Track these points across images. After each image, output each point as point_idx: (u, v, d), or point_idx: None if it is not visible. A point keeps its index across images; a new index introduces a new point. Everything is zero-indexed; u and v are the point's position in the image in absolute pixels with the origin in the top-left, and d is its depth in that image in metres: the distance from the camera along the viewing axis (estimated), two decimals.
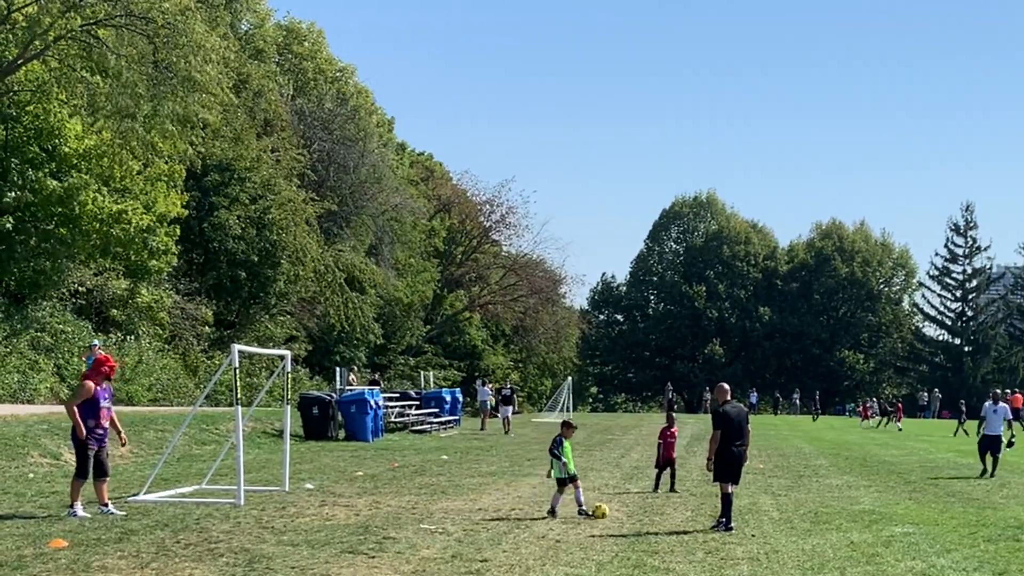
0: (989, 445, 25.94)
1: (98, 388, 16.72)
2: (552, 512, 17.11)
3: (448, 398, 45.92)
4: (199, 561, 12.92)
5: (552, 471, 17.54)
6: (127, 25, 31.53)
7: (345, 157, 56.43)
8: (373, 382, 44.96)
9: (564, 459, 17.30)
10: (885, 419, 55.65)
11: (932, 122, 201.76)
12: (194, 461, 25.29)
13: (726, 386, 17.12)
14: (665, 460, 21.10)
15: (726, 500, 16.11)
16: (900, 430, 49.92)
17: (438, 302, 74.09)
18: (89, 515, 16.25)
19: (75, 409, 16.48)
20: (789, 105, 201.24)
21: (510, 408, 43.63)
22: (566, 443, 17.48)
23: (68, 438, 19.16)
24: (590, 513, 17.07)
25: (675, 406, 70.79)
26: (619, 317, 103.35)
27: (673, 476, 21.07)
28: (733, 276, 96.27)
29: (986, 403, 26.89)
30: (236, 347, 18.67)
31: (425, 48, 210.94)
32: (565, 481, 17.32)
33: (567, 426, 17.99)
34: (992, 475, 25.50)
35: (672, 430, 21.42)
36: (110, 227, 34.17)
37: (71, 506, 16.44)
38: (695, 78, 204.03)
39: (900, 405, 56.25)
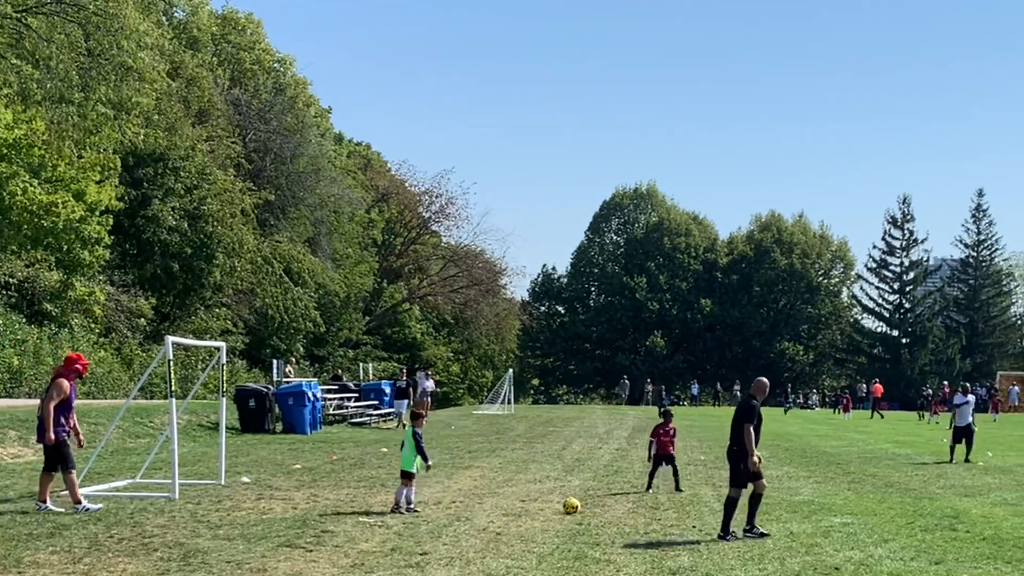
0: (963, 434, 27.33)
1: (71, 386, 16.38)
2: (398, 507, 16.52)
3: (387, 390, 45.64)
4: (133, 556, 12.68)
5: (416, 464, 16.74)
6: (58, 12, 31.03)
7: (282, 147, 55.99)
8: (336, 377, 44.52)
9: (407, 451, 16.81)
10: (926, 413, 54.18)
11: (869, 116, 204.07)
12: (128, 455, 24.91)
13: (763, 380, 15.52)
14: (661, 457, 20.14)
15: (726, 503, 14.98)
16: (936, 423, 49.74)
17: (377, 293, 73.75)
18: (100, 506, 16.23)
19: (52, 410, 16.09)
20: (729, 98, 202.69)
21: (405, 402, 40.31)
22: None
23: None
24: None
25: (621, 399, 70.93)
26: (560, 309, 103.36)
27: (676, 474, 20.09)
28: (674, 268, 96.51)
29: (956, 396, 28.41)
30: (170, 339, 18.37)
31: (362, 37, 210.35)
32: (412, 475, 16.75)
33: (418, 416, 17.46)
34: (967, 460, 26.95)
35: (667, 427, 20.31)
36: (40, 218, 33.59)
37: (79, 503, 16.20)
38: (636, 71, 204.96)
39: (937, 397, 56.56)
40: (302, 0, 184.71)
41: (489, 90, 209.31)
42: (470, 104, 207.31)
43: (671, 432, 20.40)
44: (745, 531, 14.78)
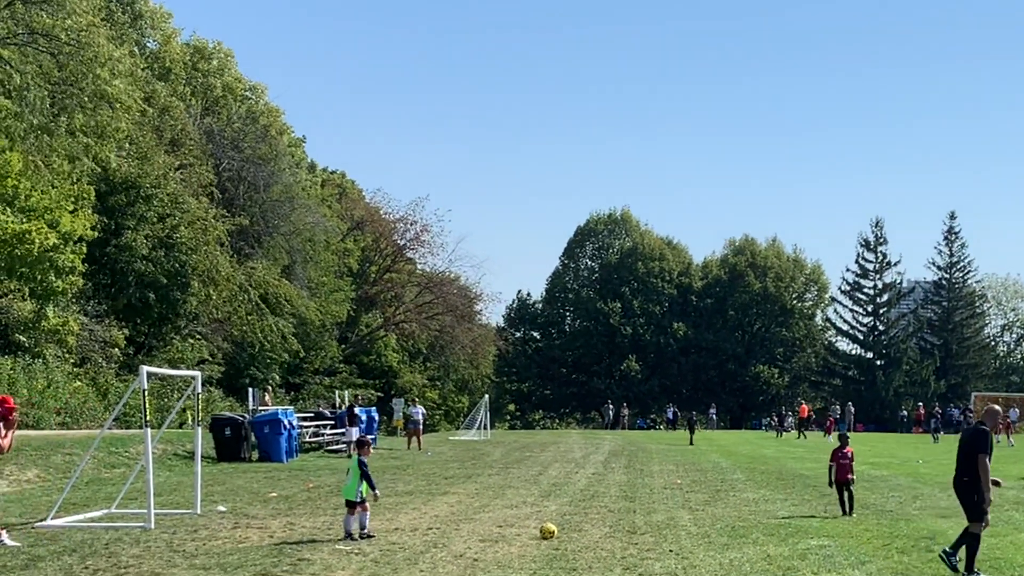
0: None
1: None
2: (350, 536, 16.49)
3: (364, 417, 45.38)
4: None
5: (363, 491, 16.74)
6: (31, 44, 31.00)
7: (256, 176, 55.83)
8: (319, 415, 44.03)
9: (351, 480, 16.79)
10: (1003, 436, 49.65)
11: (841, 138, 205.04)
12: (103, 485, 24.77)
13: (996, 408, 14.77)
14: (840, 481, 20.43)
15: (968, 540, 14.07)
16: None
17: (353, 321, 73.58)
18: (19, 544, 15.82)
19: None
20: (702, 122, 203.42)
21: (355, 430, 38.12)
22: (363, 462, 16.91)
23: None
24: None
25: (606, 422, 70.54)
26: (535, 334, 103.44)
27: (851, 499, 20.38)
28: (648, 292, 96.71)
29: (1011, 411, 28.23)
30: (144, 368, 18.33)
31: (335, 66, 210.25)
32: (355, 504, 16.70)
33: (364, 444, 17.59)
34: None
35: (845, 451, 20.61)
36: (14, 247, 33.38)
37: None
38: (609, 95, 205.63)
39: (1009, 419, 54.90)
40: (271, 31, 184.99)
41: (464, 117, 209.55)
42: (445, 131, 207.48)
43: (849, 456, 20.59)
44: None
